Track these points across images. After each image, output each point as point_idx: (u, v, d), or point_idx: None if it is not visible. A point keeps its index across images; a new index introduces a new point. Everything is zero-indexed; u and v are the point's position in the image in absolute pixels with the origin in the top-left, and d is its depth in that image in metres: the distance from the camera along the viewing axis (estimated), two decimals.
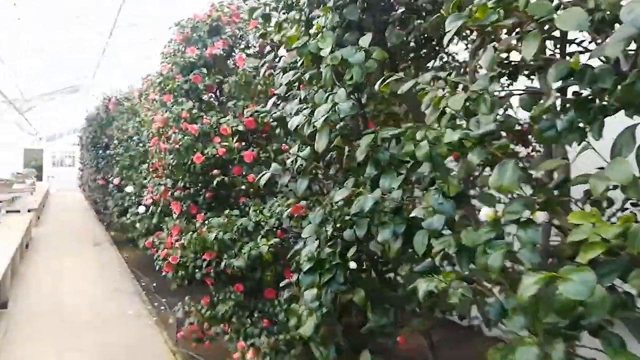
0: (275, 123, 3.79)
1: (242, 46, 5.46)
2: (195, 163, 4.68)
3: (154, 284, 9.44)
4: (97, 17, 12.50)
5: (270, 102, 3.38)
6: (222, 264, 4.44)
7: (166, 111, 5.12)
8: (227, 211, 4.61)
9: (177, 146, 4.79)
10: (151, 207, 7.19)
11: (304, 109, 3.02)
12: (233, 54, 5.59)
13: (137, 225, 8.85)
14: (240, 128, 4.67)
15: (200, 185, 5.53)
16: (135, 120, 9.22)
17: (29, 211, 14.67)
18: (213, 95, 5.45)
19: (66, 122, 26.41)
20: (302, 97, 3.18)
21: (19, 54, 12.77)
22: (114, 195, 10.98)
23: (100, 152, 13.06)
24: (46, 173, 29.89)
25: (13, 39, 11.84)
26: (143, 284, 9.58)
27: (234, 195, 5.54)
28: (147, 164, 6.45)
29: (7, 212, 13.88)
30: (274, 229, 4.26)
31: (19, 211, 14.47)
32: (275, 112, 3.67)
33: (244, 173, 4.64)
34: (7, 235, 10.15)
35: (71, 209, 20.22)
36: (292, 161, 2.95)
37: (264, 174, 3.01)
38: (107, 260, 11.18)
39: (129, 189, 9.14)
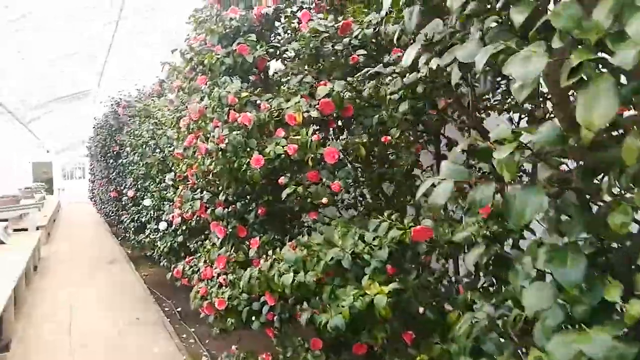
0: (395, 96, 2.18)
1: (294, 8, 3.82)
2: (253, 168, 3.04)
3: (179, 309, 7.82)
4: (98, 15, 10.88)
5: (411, 54, 1.78)
6: (304, 317, 2.81)
7: (202, 98, 3.50)
8: (303, 238, 2.98)
9: (222, 145, 3.17)
10: (174, 224, 5.58)
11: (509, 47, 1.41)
12: (279, 18, 3.95)
13: (158, 243, 7.24)
14: (314, 114, 3.03)
15: (249, 197, 3.91)
16: (150, 123, 7.57)
17: (37, 229, 13.04)
18: (261, 73, 3.82)
19: (75, 133, 24.74)
20: (486, 34, 1.56)
21: (16, 60, 11.16)
22: (128, 209, 9.33)
23: (111, 161, 11.41)
24: (56, 186, 28.18)
25: (9, 43, 10.23)
26: (166, 309, 7.95)
27: (289, 209, 3.94)
28: (173, 173, 4.83)
29: (15, 230, 12.25)
30: (384, 265, 2.63)
31: (26, 229, 12.85)
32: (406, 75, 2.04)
33: (323, 179, 3.00)
34: (10, 260, 8.52)
35: (83, 223, 18.54)
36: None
37: (442, 181, 1.40)
38: (124, 281, 9.53)
39: (147, 202, 7.51)
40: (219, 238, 3.81)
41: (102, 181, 12.96)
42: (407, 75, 2.05)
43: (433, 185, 1.52)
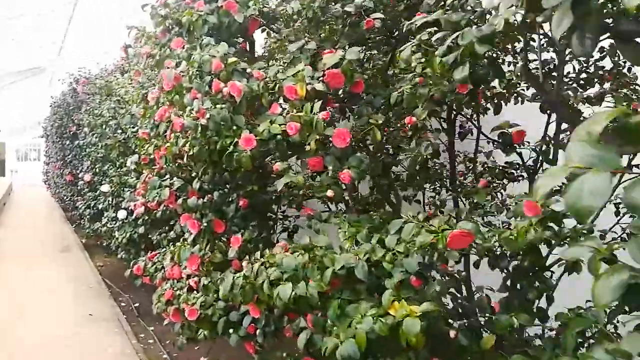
0: (448, 58, 1.59)
1: None
2: (241, 150, 2.40)
3: (136, 304, 7.07)
4: None
5: None
6: (301, 338, 2.21)
7: (178, 63, 2.83)
8: (302, 240, 2.37)
9: (202, 121, 2.52)
10: (136, 213, 4.89)
11: None
12: None
13: (116, 233, 6.50)
14: (319, 87, 2.42)
15: (228, 186, 3.27)
16: (112, 100, 6.79)
17: None
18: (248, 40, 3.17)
19: (31, 113, 23.32)
20: None
21: None
22: (84, 195, 8.50)
23: (67, 142, 10.47)
24: (9, 168, 26.58)
25: None
26: (123, 304, 7.20)
27: (275, 201, 3.34)
28: (137, 155, 4.13)
29: None
30: (407, 276, 2.05)
31: None
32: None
33: (329, 167, 2.39)
34: None
35: (36, 208, 17.36)
36: None
37: (587, 172, 0.86)
38: (78, 272, 8.69)
39: (105, 187, 6.73)
40: (191, 233, 3.15)
41: (58, 164, 11.98)
42: (472, 28, 1.45)
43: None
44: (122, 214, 6.24)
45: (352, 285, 2.18)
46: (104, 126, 6.71)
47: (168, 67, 2.73)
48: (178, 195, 3.36)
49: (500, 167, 3.03)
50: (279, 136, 2.41)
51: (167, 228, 5.30)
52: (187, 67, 2.68)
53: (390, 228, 2.15)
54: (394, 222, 2.15)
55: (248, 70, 2.63)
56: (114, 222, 6.63)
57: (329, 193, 2.36)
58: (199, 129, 2.53)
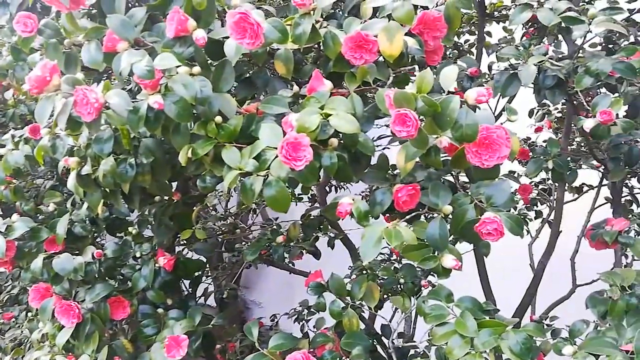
0: None
1: None
2: (273, 169, 0.95)
3: None
4: None
5: None
6: None
7: None
8: None
9: (153, 100, 1.01)
10: None
11: None
12: None
13: None
14: (412, 42, 1.10)
15: (130, 230, 1.71)
16: None
17: None
18: None
19: None
20: None
21: None
22: None
23: None
24: None
25: None
26: None
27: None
28: None
29: None
30: None
31: None
32: None
33: (437, 203, 1.09)
34: None
35: None
36: None
37: None
38: None
39: None
40: (60, 328, 1.51)
41: None
42: None
43: None
44: None
45: None
46: None
47: None
48: (22, 247, 1.66)
49: None
50: (334, 136, 1.04)
51: None
52: None
53: None
54: None
55: (232, 2, 1.18)
56: None
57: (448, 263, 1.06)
58: (139, 119, 1.02)
